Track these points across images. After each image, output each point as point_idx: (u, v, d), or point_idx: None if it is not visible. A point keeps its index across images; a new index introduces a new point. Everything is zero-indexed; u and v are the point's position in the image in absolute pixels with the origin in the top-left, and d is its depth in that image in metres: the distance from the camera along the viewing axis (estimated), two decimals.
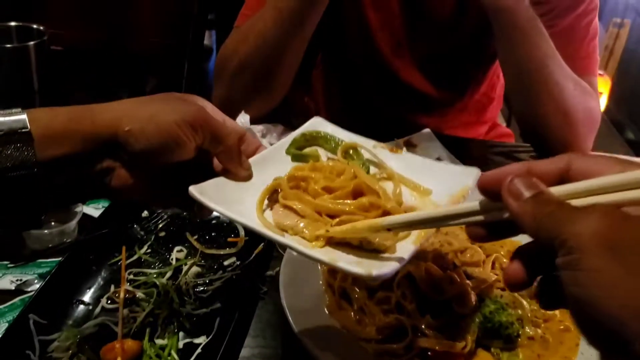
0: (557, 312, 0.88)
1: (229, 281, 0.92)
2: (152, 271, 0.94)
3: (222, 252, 0.99)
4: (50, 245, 0.96)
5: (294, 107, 1.66)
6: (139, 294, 0.88)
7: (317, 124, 0.83)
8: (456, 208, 0.58)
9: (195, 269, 0.94)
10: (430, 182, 0.76)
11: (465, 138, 1.57)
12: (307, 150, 0.80)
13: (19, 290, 0.90)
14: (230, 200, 0.68)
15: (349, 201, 0.68)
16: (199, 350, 0.80)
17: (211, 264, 0.96)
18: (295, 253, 0.73)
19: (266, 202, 0.71)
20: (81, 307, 0.86)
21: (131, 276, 0.92)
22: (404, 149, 0.85)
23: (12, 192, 0.59)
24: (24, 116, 0.59)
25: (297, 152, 0.79)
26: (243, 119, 1.28)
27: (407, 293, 0.85)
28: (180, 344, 0.81)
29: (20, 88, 1.29)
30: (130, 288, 0.89)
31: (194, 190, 0.65)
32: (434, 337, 0.80)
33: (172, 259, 0.96)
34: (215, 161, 0.72)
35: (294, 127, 0.83)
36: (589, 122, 1.36)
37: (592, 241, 0.41)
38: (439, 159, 1.27)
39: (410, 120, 1.57)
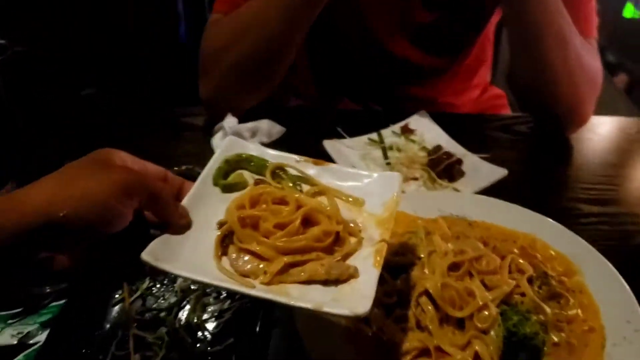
0: (579, 311, 0.86)
1: (238, 312, 0.89)
2: (156, 305, 0.90)
3: None
4: (48, 290, 0.92)
5: (285, 90, 1.61)
6: (149, 338, 0.85)
7: (235, 146, 0.84)
8: None
9: (202, 300, 0.90)
10: (361, 192, 0.80)
11: (460, 115, 1.53)
12: (232, 176, 0.80)
13: (22, 344, 0.86)
14: (183, 256, 0.67)
15: (302, 236, 0.71)
16: None
17: (218, 292, 0.93)
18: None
19: None
20: (90, 357, 0.83)
21: (138, 316, 0.88)
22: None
23: None
24: None
25: (224, 182, 0.79)
26: (231, 122, 1.22)
27: (426, 310, 0.82)
28: None
29: None
30: (138, 332, 0.85)
31: (147, 257, 0.63)
32: (459, 356, 0.78)
33: (176, 291, 0.93)
34: (148, 213, 0.69)
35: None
36: (593, 84, 1.33)
37: None
38: (439, 146, 1.23)
39: (401, 92, 1.53)
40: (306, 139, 1.29)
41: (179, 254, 0.67)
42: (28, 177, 1.11)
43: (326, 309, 0.62)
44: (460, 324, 0.82)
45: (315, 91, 1.63)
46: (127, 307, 0.88)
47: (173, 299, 0.91)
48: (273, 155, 0.84)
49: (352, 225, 0.76)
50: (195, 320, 0.87)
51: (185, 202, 0.72)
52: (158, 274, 0.85)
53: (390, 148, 1.29)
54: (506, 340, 0.79)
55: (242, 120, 1.27)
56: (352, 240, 0.74)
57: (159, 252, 0.65)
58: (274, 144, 1.29)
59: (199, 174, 1.17)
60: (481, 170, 1.19)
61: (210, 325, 0.87)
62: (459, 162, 1.19)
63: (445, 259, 0.86)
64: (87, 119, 1.43)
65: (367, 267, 0.69)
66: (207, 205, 0.75)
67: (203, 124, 1.38)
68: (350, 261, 0.71)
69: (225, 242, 0.71)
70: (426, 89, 1.58)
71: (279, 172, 0.82)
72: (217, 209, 0.74)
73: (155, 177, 0.71)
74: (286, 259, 0.69)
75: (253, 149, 0.84)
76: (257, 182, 0.80)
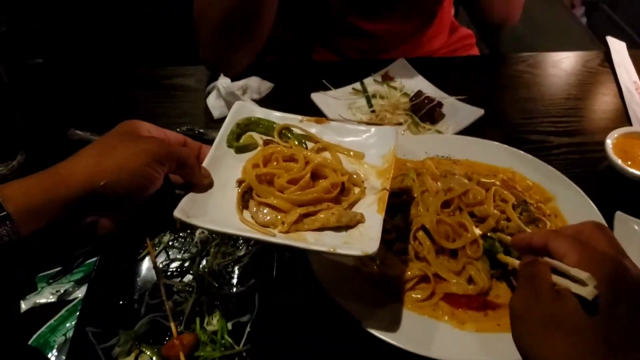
0: None
1: (255, 256, 0.99)
2: (179, 256, 1.00)
3: None
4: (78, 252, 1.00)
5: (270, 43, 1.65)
6: (178, 285, 0.94)
7: (243, 110, 0.92)
8: None
9: (221, 248, 1.00)
10: (360, 146, 0.90)
11: (436, 59, 1.60)
12: (243, 138, 0.90)
13: (61, 301, 0.95)
14: (209, 212, 0.77)
15: (313, 189, 0.81)
16: (247, 329, 0.88)
17: (235, 240, 1.02)
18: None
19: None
20: (127, 307, 0.92)
21: (164, 267, 0.97)
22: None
23: (3, 267, 0.62)
24: None
25: (238, 144, 0.87)
26: (224, 82, 1.28)
27: (423, 243, 0.93)
28: (229, 325, 0.89)
29: None
30: (167, 281, 0.94)
31: (179, 215, 0.73)
32: (455, 282, 0.90)
33: (196, 242, 1.01)
34: (173, 175, 0.77)
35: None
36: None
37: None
38: (420, 91, 1.31)
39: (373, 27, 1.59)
40: (294, 93, 1.36)
41: (205, 211, 0.76)
42: (37, 148, 1.18)
43: (340, 251, 0.73)
44: (453, 254, 0.93)
45: (290, 40, 1.68)
46: (154, 259, 0.96)
47: (194, 250, 1.00)
48: (278, 117, 0.93)
49: (355, 176, 0.86)
50: (218, 267, 0.97)
51: (205, 163, 0.81)
52: (187, 229, 0.92)
53: (374, 96, 1.37)
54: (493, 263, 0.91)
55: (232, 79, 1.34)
56: (356, 190, 0.85)
57: (188, 210, 0.74)
58: (264, 100, 1.36)
59: (199, 132, 1.25)
60: (460, 112, 1.28)
61: (232, 270, 0.97)
62: (439, 105, 1.28)
63: (437, 197, 0.96)
64: (80, 83, 1.46)
65: (372, 213, 0.80)
66: (224, 165, 0.84)
67: (195, 84, 1.43)
68: (356, 209, 0.82)
69: (245, 197, 0.81)
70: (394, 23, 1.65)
71: (285, 132, 0.91)
72: (234, 168, 0.84)
73: (177, 144, 0.79)
74: (300, 210, 0.79)
75: (259, 111, 0.93)
76: (266, 143, 0.90)
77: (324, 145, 0.90)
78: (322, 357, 0.87)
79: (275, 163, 0.85)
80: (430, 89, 1.35)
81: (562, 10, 2.57)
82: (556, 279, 0.64)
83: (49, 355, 0.87)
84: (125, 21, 1.89)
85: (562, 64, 1.55)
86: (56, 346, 0.88)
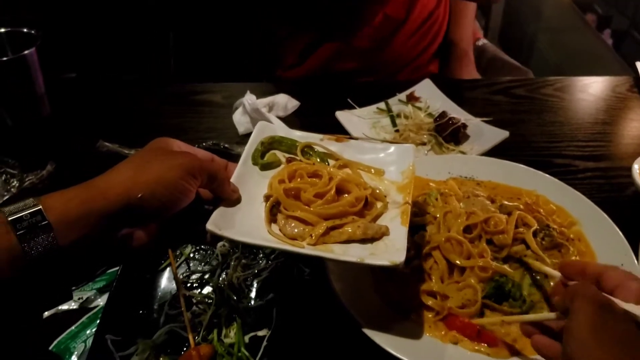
0: (578, 258, 0.96)
1: (275, 270, 0.99)
2: (200, 268, 1.01)
3: None
4: None
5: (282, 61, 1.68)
6: (197, 297, 0.95)
7: (266, 129, 0.95)
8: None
9: (242, 261, 1.00)
10: (379, 163, 0.93)
11: (462, 80, 1.61)
12: (267, 156, 0.93)
13: (83, 308, 0.96)
14: (238, 224, 0.79)
15: (338, 203, 0.84)
16: (264, 343, 0.88)
17: (255, 253, 1.03)
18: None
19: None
20: (147, 317, 0.93)
21: (184, 278, 0.98)
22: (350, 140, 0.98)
23: (41, 276, 0.63)
24: (39, 207, 0.62)
25: (263, 161, 0.91)
26: (250, 99, 1.30)
27: (438, 261, 0.93)
28: (246, 339, 0.89)
29: (26, 97, 1.29)
30: (187, 292, 0.95)
31: (212, 227, 0.75)
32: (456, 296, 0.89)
33: (217, 254, 1.02)
34: (202, 190, 0.79)
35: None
36: None
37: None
38: (444, 112, 1.31)
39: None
40: (319, 111, 1.38)
41: (234, 223, 0.79)
42: (66, 158, 1.21)
43: (368, 262, 0.75)
44: (463, 270, 0.92)
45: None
46: (175, 271, 0.98)
47: (215, 262, 1.01)
48: (300, 136, 0.96)
49: (377, 191, 0.88)
50: (237, 280, 0.97)
51: (233, 179, 0.84)
52: (217, 242, 0.95)
53: (398, 116, 1.37)
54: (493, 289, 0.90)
55: (259, 96, 1.36)
56: (379, 204, 0.87)
57: (220, 223, 0.77)
58: (289, 117, 1.37)
59: (224, 147, 1.27)
60: (484, 133, 1.28)
61: (251, 284, 0.98)
62: (464, 126, 1.28)
63: (460, 219, 0.95)
64: (110, 98, 1.50)
65: (396, 225, 0.82)
66: (250, 181, 0.87)
67: (222, 100, 1.46)
68: (379, 222, 0.84)
69: (272, 211, 0.84)
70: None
71: (307, 150, 0.94)
72: (259, 184, 0.87)
73: (206, 160, 0.81)
74: (327, 223, 0.81)
75: (281, 130, 0.96)
76: (289, 160, 0.93)
77: (345, 163, 0.93)
78: None
79: (299, 179, 0.87)
80: (455, 110, 1.35)
81: (592, 36, 2.56)
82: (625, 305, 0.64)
83: None
84: (157, 38, 1.93)
85: (590, 88, 1.54)
86: (76, 352, 0.89)
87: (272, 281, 0.98)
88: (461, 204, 1.00)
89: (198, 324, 0.91)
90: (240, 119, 1.33)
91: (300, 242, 0.79)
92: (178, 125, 1.38)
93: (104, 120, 1.40)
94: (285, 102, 1.37)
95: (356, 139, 1.23)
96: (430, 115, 1.36)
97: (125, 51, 1.93)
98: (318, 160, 0.93)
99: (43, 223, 0.62)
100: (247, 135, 1.32)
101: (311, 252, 0.77)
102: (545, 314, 0.78)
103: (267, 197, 0.84)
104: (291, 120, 1.36)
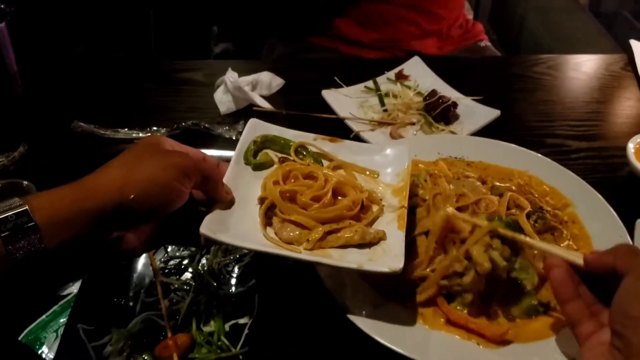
0: (571, 242, 0.92)
1: (257, 255, 0.95)
2: (178, 254, 0.96)
3: None
4: None
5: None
6: (175, 284, 0.90)
7: (258, 127, 0.92)
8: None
9: (222, 247, 0.96)
10: (375, 164, 0.92)
11: (452, 58, 1.56)
12: (260, 156, 0.90)
13: (54, 296, 0.91)
14: (232, 228, 0.77)
15: (335, 207, 0.82)
16: (245, 331, 0.84)
17: None
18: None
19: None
20: (122, 305, 0.88)
21: (162, 264, 0.94)
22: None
23: (26, 277, 0.60)
24: (25, 208, 0.59)
25: (255, 161, 0.88)
26: (232, 76, 1.25)
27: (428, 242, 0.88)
28: (227, 327, 0.85)
29: None
30: (164, 279, 0.91)
31: (206, 231, 0.72)
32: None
33: None
34: (195, 191, 0.76)
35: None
36: None
37: None
38: (434, 90, 1.27)
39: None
40: (304, 90, 1.33)
41: (229, 227, 0.76)
42: (39, 139, 1.16)
43: (367, 268, 0.73)
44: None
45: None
46: (152, 256, 0.93)
47: (194, 247, 0.96)
48: (293, 135, 0.93)
49: (373, 194, 0.86)
50: (218, 266, 0.93)
51: (226, 180, 0.81)
52: (211, 245, 0.93)
53: (387, 95, 1.33)
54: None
55: (242, 74, 1.31)
56: (375, 207, 0.85)
57: (214, 226, 0.74)
58: (274, 96, 1.32)
59: (204, 128, 1.22)
60: (475, 112, 1.24)
61: (232, 270, 0.93)
62: (454, 105, 1.24)
63: (450, 202, 0.91)
64: (86, 76, 1.44)
65: (393, 230, 0.80)
66: (243, 182, 0.84)
67: (203, 78, 1.41)
68: (376, 226, 0.83)
69: (268, 214, 0.81)
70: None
71: (300, 149, 0.92)
72: (252, 185, 0.85)
73: (198, 159, 0.76)
74: (324, 228, 0.79)
75: (274, 129, 0.93)
76: (282, 160, 0.90)
77: (339, 164, 0.91)
78: None
79: (293, 180, 0.85)
80: (445, 89, 1.31)
81: (584, 16, 2.52)
82: None
83: (39, 352, 0.84)
84: (136, 15, 1.87)
85: (583, 67, 1.50)
86: (46, 343, 0.85)
87: (254, 267, 0.93)
88: (451, 185, 0.96)
89: (176, 312, 0.86)
90: (222, 98, 1.28)
91: (297, 247, 0.77)
92: (157, 104, 1.32)
93: (79, 100, 1.35)
94: (270, 80, 1.32)
95: (343, 119, 1.20)
96: (419, 94, 1.31)
97: (105, 29, 1.87)
98: (312, 160, 0.90)
99: (29, 224, 0.58)
100: (229, 115, 1.28)
101: (309, 257, 0.76)
102: (574, 254, 0.72)
103: (261, 200, 0.82)
104: (275, 99, 1.31)
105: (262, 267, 0.93)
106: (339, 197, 0.85)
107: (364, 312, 0.80)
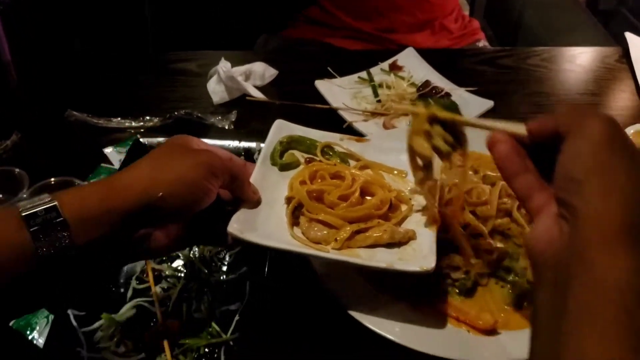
0: None
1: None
2: None
3: None
4: None
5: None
6: (166, 270, 0.90)
7: (283, 128, 0.92)
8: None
9: None
10: (402, 163, 0.88)
11: (446, 50, 1.56)
12: (286, 156, 0.89)
13: None
14: (260, 227, 0.76)
15: (363, 206, 0.81)
16: (236, 317, 0.84)
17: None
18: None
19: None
20: (113, 291, 0.89)
21: None
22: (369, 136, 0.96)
23: (54, 274, 0.59)
24: (54, 203, 0.58)
25: (282, 162, 0.88)
26: (225, 66, 1.25)
27: None
28: (217, 313, 0.85)
29: None
30: (155, 266, 0.91)
31: (234, 230, 0.72)
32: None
33: None
34: (222, 191, 0.75)
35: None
36: None
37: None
38: (427, 81, 1.27)
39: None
40: (298, 80, 1.33)
41: (256, 226, 0.76)
42: (33, 128, 1.16)
43: (397, 267, 0.72)
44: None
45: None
46: None
47: (221, 247, 0.96)
48: (319, 135, 0.93)
49: (402, 194, 0.85)
50: (209, 253, 0.93)
51: (252, 180, 0.80)
52: (238, 245, 0.92)
53: (380, 86, 1.33)
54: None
55: (235, 64, 1.31)
56: (404, 207, 0.84)
57: (241, 226, 0.73)
58: (268, 87, 1.32)
59: (197, 117, 1.22)
60: (469, 103, 1.24)
61: (224, 257, 0.93)
62: (447, 95, 1.24)
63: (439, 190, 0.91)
64: (80, 66, 1.44)
65: (422, 229, 0.79)
66: (270, 182, 0.83)
67: (196, 68, 1.40)
68: (405, 225, 0.81)
69: (295, 213, 0.81)
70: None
71: (327, 150, 0.92)
72: (278, 185, 0.84)
73: (225, 159, 0.76)
74: (352, 227, 0.78)
75: (299, 130, 0.93)
76: (308, 160, 0.90)
77: (366, 163, 0.90)
78: (311, 348, 0.82)
79: (320, 180, 0.84)
80: (439, 80, 1.31)
81: (579, 10, 2.52)
82: None
83: (30, 338, 0.84)
84: (130, 5, 1.87)
85: (578, 59, 1.50)
86: (37, 328, 0.85)
87: (245, 254, 0.93)
88: (443, 174, 0.95)
89: (167, 299, 0.86)
90: (215, 88, 1.28)
91: (325, 247, 0.77)
92: (151, 94, 1.32)
93: (73, 89, 1.34)
94: (263, 71, 1.32)
95: (336, 109, 1.20)
96: (413, 84, 1.32)
97: (101, 23, 1.87)
98: (338, 160, 0.90)
99: (58, 220, 0.58)
100: (222, 105, 1.27)
101: (337, 257, 0.75)
102: (516, 125, 0.62)
103: (288, 199, 0.82)
104: (269, 90, 1.31)
105: (253, 255, 0.92)
106: (367, 197, 0.84)
107: (355, 299, 0.80)
